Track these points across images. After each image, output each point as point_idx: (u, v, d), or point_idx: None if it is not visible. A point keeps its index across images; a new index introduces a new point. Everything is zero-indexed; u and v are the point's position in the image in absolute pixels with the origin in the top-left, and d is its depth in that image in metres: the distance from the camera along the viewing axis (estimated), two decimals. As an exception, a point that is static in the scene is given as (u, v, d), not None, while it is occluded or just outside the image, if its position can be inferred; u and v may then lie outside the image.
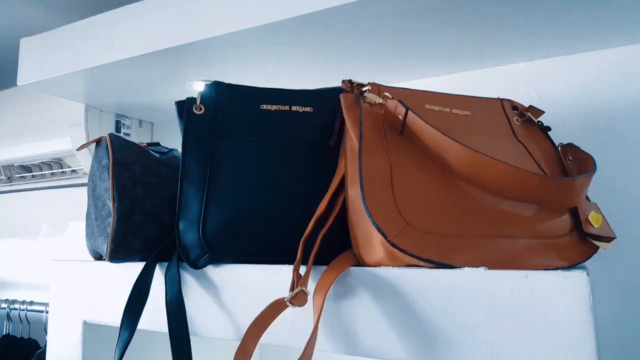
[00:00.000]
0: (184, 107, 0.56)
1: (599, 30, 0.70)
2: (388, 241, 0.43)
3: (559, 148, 0.57)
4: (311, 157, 0.55)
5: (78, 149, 0.68)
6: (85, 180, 1.30)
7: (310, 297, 0.47)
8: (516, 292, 0.39)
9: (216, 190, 0.54)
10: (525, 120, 0.59)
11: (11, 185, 1.41)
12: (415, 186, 0.47)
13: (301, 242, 0.48)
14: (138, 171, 0.62)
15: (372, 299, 0.46)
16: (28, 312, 1.02)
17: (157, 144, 0.71)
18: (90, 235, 0.66)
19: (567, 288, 0.37)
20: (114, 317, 0.63)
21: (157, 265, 0.60)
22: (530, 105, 0.60)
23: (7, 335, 1.03)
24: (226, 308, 0.54)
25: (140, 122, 1.22)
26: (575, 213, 0.48)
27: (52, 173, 1.28)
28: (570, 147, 0.55)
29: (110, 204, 0.60)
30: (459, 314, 0.41)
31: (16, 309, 1.02)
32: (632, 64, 0.75)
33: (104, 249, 0.61)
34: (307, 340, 0.43)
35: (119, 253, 0.60)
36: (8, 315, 1.03)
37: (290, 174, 0.54)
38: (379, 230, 0.43)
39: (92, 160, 0.67)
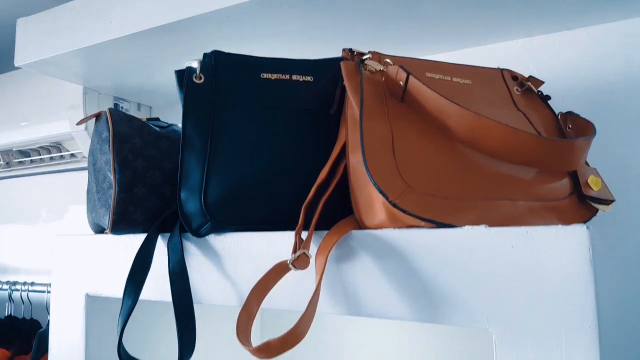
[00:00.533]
0: (184, 76, 0.56)
1: (597, 6, 0.70)
2: (389, 202, 0.43)
3: (559, 116, 0.57)
4: (312, 126, 0.55)
5: (78, 123, 0.68)
6: (84, 164, 1.30)
7: (312, 260, 0.48)
8: (517, 248, 0.39)
9: (217, 159, 0.54)
10: (525, 89, 0.59)
11: (10, 170, 1.41)
12: (416, 150, 0.47)
13: (303, 208, 0.49)
14: (138, 144, 0.62)
15: (374, 261, 0.46)
16: (30, 293, 1.02)
17: (157, 119, 0.71)
18: (91, 209, 0.66)
19: (567, 242, 0.37)
20: (117, 289, 0.63)
21: (159, 236, 0.60)
22: (530, 76, 0.61)
23: (9, 317, 1.04)
24: (229, 275, 0.55)
25: (139, 105, 1.22)
26: (574, 177, 0.49)
27: (51, 158, 1.28)
28: (570, 115, 0.56)
29: (111, 176, 0.60)
30: (459, 272, 0.42)
31: (17, 290, 1.02)
32: (630, 38, 0.75)
33: (106, 220, 0.61)
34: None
35: (120, 224, 0.60)
36: (10, 297, 1.03)
37: (291, 142, 0.54)
38: (381, 191, 0.43)
39: (92, 135, 0.67)
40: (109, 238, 0.65)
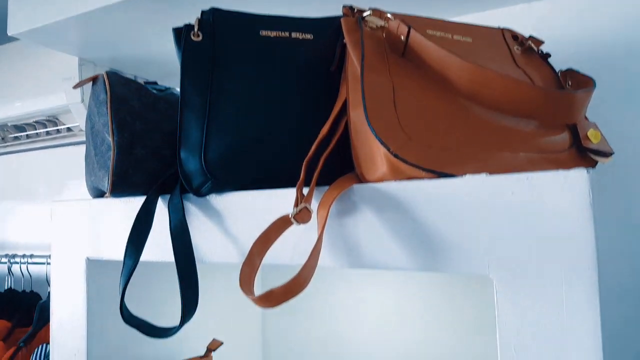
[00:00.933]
0: (182, 34, 0.55)
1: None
2: (391, 152, 0.43)
3: (559, 74, 0.57)
4: (312, 84, 0.55)
5: (75, 86, 0.67)
6: (82, 138, 1.29)
7: (314, 215, 0.48)
8: (517, 195, 0.40)
9: (217, 117, 0.54)
10: (526, 48, 0.59)
11: (5, 147, 1.40)
12: (417, 104, 0.47)
13: (304, 163, 0.49)
14: (136, 106, 0.62)
15: (375, 214, 0.46)
16: (29, 265, 1.02)
17: (155, 83, 0.71)
18: (90, 172, 0.66)
19: (568, 186, 0.38)
20: (117, 252, 0.64)
21: (159, 198, 0.60)
22: (530, 35, 0.60)
23: (9, 290, 1.04)
24: (231, 233, 0.55)
25: (135, 77, 1.21)
26: (574, 130, 0.49)
27: (47, 132, 1.27)
28: (569, 72, 0.56)
29: (110, 138, 0.60)
30: (459, 220, 0.42)
31: (17, 263, 1.02)
32: (632, 3, 0.75)
33: (105, 182, 0.61)
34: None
35: (120, 186, 0.60)
36: (9, 270, 1.04)
37: (291, 100, 0.54)
38: (382, 142, 0.43)
39: (89, 100, 0.67)
40: (109, 201, 0.65)
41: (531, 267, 0.39)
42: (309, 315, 0.96)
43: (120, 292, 0.55)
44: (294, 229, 0.50)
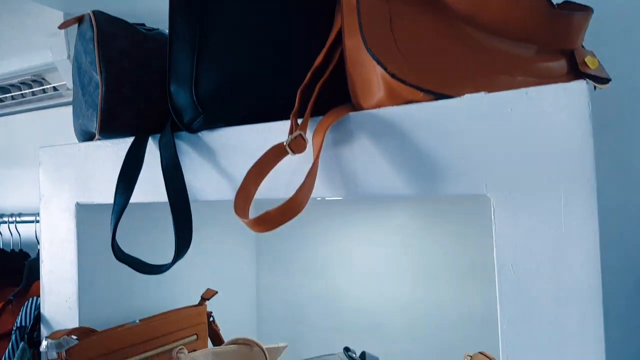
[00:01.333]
0: (171, -37, 0.53)
1: None
2: (388, 73, 0.42)
3: (556, 6, 0.56)
4: (305, 15, 0.54)
5: (60, 26, 0.65)
6: (69, 98, 1.26)
7: (309, 146, 0.47)
8: (515, 111, 0.39)
9: (207, 49, 0.52)
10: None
11: (-10, 110, 1.37)
12: (414, 28, 0.46)
13: (298, 92, 0.48)
14: (124, 44, 0.60)
15: (371, 141, 0.46)
16: (18, 225, 1.01)
17: (142, 25, 0.69)
18: (78, 114, 0.64)
19: (567, 99, 0.37)
20: (108, 195, 0.63)
21: (150, 138, 0.59)
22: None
23: (-2, 250, 1.03)
24: (224, 170, 0.54)
25: (122, 35, 1.18)
26: (572, 57, 0.48)
27: (33, 92, 1.24)
28: (566, 3, 0.55)
29: (98, 76, 0.58)
30: (457, 142, 0.41)
31: (5, 222, 1.01)
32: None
33: (94, 122, 0.59)
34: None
35: (109, 125, 0.58)
36: (-3, 229, 1.02)
37: (284, 30, 0.53)
38: (379, 62, 0.42)
39: (76, 41, 0.65)
40: (98, 144, 0.63)
41: (529, 183, 0.39)
42: (303, 270, 0.96)
43: (112, 229, 0.54)
44: (289, 162, 0.49)
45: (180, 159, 0.56)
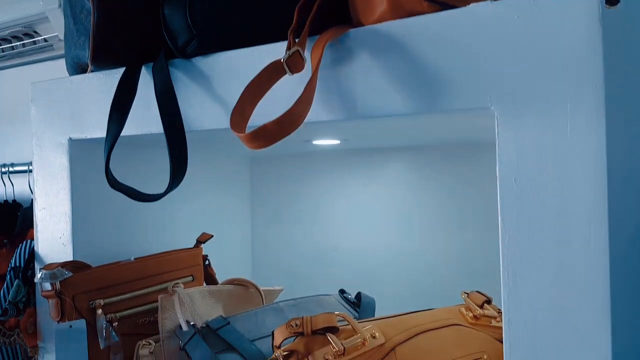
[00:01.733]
0: None
1: None
2: (391, -19, 0.40)
3: None
4: None
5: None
6: (60, 52, 1.23)
7: (307, 65, 0.46)
8: (522, 18, 0.38)
9: (203, -31, 0.50)
10: None
11: (-20, 65, 1.34)
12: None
13: (297, 8, 0.46)
14: (116, -30, 0.58)
15: (371, 58, 0.44)
16: (11, 175, 1.00)
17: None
18: (70, 46, 0.62)
19: (576, 2, 0.36)
20: (101, 129, 0.61)
21: (143, 67, 0.57)
22: None
23: (-9, 200, 1.02)
24: (220, 97, 0.53)
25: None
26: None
27: (23, 44, 1.21)
28: None
29: (90, 3, 0.56)
30: (461, 54, 0.40)
31: (-3, 173, 1.00)
32: None
33: (86, 51, 0.57)
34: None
35: (102, 54, 0.57)
36: (-10, 180, 1.01)
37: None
38: (381, -30, 0.41)
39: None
40: (91, 76, 0.61)
41: (535, 93, 0.37)
42: (297, 221, 0.96)
43: (105, 157, 0.53)
44: (287, 83, 0.47)
45: (174, 87, 0.55)
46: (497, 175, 0.39)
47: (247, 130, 0.45)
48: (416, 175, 0.87)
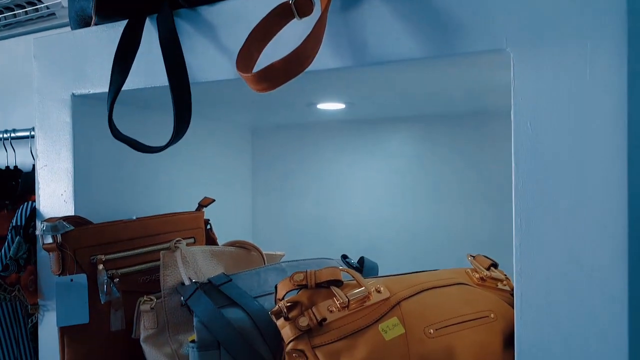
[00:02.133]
0: None
1: None
2: None
3: None
4: None
5: None
6: (65, 19, 1.22)
7: (316, 7, 0.44)
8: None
9: None
10: None
11: (-18, 34, 1.32)
12: None
13: (306, -49, 0.44)
14: None
15: (383, 1, 0.43)
16: (12, 141, 0.98)
17: None
18: (72, -3, 0.61)
19: None
20: (104, 84, 0.60)
21: (148, 20, 0.56)
22: None
23: (-7, 166, 1.01)
24: (225, 47, 0.51)
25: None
26: None
27: (26, 12, 1.19)
28: None
29: (93, -50, 0.55)
30: (478, -5, 0.39)
31: (-1, 139, 0.99)
32: None
33: (90, 1, 0.56)
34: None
35: (106, 4, 0.55)
36: (-8, 146, 1.00)
37: None
38: None
39: None
40: (94, 30, 0.60)
41: (553, 33, 0.36)
42: (299, 191, 0.95)
43: (108, 107, 0.52)
44: (295, 28, 0.45)
45: (179, 38, 0.53)
46: (512, 119, 0.38)
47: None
48: (421, 147, 0.85)
